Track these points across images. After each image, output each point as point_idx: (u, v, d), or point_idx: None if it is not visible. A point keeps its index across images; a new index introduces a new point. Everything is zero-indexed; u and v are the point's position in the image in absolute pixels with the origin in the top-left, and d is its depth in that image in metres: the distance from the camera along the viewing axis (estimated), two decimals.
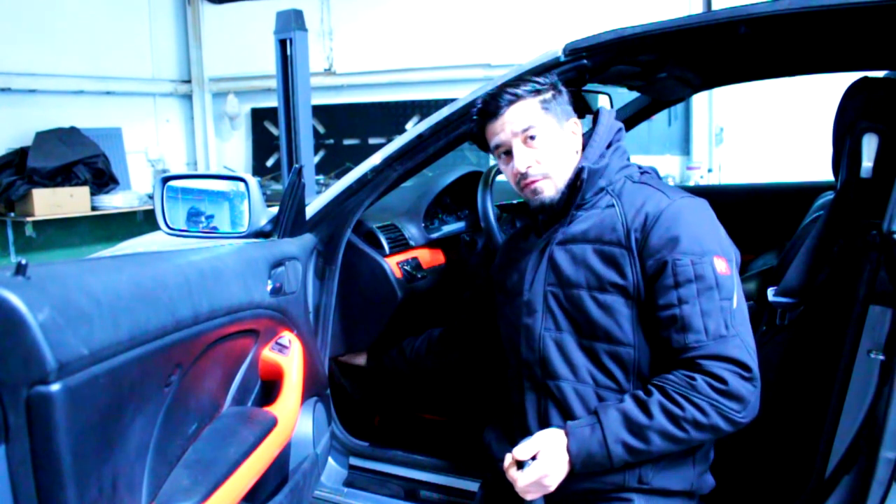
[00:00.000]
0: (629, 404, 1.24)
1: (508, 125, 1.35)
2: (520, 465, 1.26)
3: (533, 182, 1.36)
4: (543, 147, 1.35)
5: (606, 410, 1.26)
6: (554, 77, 1.42)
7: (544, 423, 1.36)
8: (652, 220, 1.28)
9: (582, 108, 1.59)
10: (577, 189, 1.34)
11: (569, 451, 1.25)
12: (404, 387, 2.34)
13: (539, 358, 1.36)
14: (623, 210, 1.32)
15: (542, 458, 1.25)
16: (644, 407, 1.23)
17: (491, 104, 1.37)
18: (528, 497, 1.27)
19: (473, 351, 1.75)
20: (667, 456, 1.27)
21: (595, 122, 1.43)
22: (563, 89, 1.41)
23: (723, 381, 1.19)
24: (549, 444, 1.27)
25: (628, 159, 1.43)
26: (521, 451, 1.26)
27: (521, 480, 1.25)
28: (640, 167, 1.43)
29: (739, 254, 1.35)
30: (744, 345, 1.22)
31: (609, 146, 1.40)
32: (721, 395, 1.19)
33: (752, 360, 1.22)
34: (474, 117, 1.42)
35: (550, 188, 1.36)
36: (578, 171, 1.34)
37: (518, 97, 1.35)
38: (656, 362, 1.29)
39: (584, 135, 1.43)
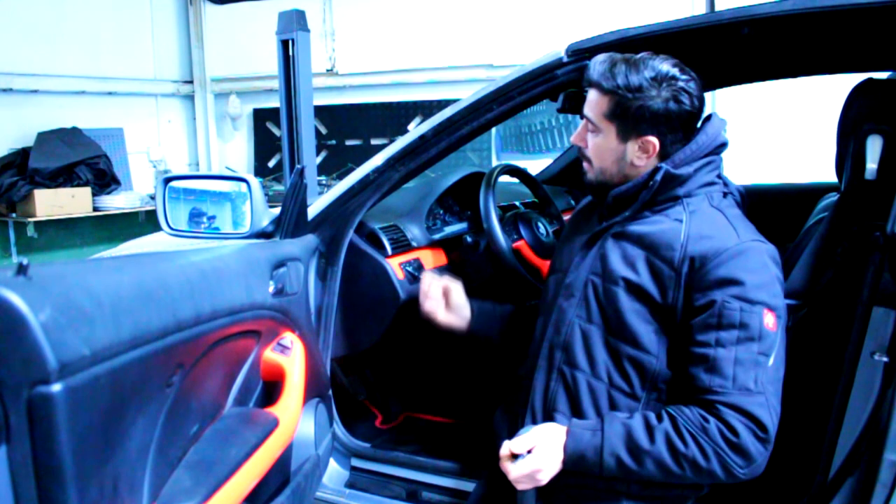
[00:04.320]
0: (637, 423, 1.23)
1: (587, 101, 1.35)
2: (515, 456, 1.27)
3: (582, 155, 1.39)
4: (594, 142, 1.35)
5: (613, 421, 1.25)
6: (662, 90, 1.27)
7: (548, 404, 1.37)
8: (713, 255, 1.23)
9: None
10: (645, 187, 1.30)
11: (564, 448, 1.26)
12: (406, 388, 2.33)
13: (563, 343, 1.36)
14: (688, 231, 1.26)
15: (537, 452, 1.26)
16: (650, 431, 1.22)
17: (590, 73, 1.32)
18: (520, 487, 1.30)
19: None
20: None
21: (701, 126, 1.35)
22: (663, 106, 1.27)
23: (735, 432, 1.17)
24: (546, 440, 1.27)
25: (719, 177, 1.35)
26: (517, 444, 1.27)
27: (513, 472, 1.27)
28: (726, 186, 1.36)
29: (787, 311, 1.28)
30: (768, 405, 1.18)
31: (706, 156, 1.32)
32: (729, 445, 1.17)
33: (771, 423, 1.18)
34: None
35: (590, 171, 1.39)
36: (654, 170, 1.29)
37: (598, 85, 1.30)
38: (675, 378, 1.28)
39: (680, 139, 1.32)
